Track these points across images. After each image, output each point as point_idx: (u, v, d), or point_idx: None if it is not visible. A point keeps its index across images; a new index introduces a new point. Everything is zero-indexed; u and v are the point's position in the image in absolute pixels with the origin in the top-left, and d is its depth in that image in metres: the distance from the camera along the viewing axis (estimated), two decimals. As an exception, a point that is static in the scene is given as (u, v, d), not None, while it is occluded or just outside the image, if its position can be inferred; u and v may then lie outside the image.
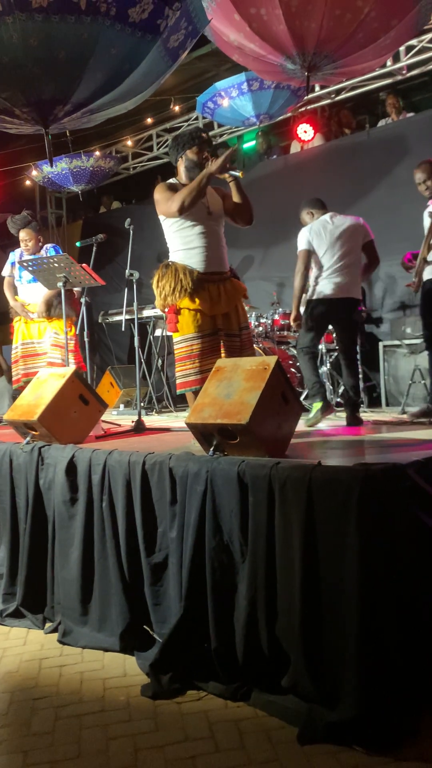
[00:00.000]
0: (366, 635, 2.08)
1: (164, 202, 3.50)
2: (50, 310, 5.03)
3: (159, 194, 3.54)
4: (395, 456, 2.69)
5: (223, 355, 3.51)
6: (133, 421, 4.35)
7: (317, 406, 4.30)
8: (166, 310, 3.55)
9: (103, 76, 3.40)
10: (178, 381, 3.52)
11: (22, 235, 5.20)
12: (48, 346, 5.10)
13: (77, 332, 5.20)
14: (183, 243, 3.56)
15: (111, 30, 3.12)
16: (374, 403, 6.05)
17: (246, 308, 6.05)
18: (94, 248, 5.46)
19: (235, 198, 3.62)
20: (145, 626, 2.81)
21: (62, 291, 4.48)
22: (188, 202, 3.41)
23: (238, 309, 3.61)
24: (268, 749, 2.03)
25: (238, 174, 3.50)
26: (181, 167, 3.66)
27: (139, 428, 4.20)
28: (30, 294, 5.17)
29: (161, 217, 3.62)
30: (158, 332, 6.92)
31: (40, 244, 5.29)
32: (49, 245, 5.31)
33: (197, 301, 3.45)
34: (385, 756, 1.94)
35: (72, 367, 3.76)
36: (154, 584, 2.76)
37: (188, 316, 3.48)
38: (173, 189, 3.53)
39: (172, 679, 2.44)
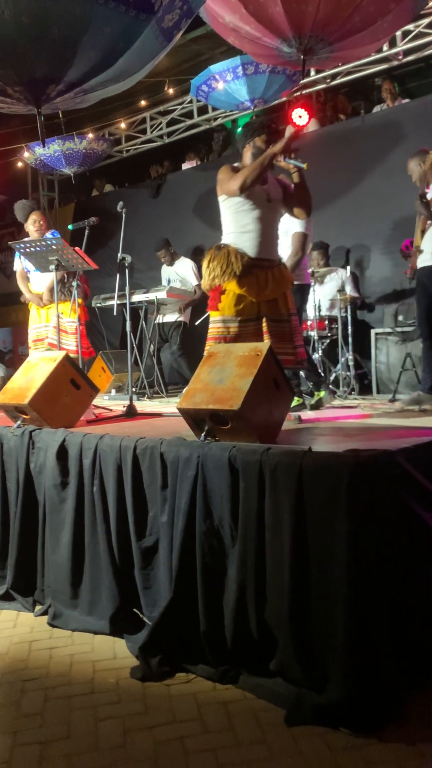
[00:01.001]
0: (354, 620, 2.10)
1: (227, 181, 3.53)
2: (52, 294, 5.05)
3: (222, 174, 3.58)
4: (385, 443, 2.70)
5: (269, 342, 3.49)
6: (124, 406, 4.35)
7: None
8: (211, 290, 3.59)
9: (96, 55, 3.36)
10: None
11: (35, 216, 5.31)
12: (51, 328, 5.15)
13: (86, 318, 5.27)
14: (238, 226, 3.58)
15: (104, 8, 3.07)
16: (365, 390, 6.07)
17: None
18: (87, 231, 5.41)
19: (297, 189, 3.64)
20: (135, 609, 2.83)
21: (54, 274, 4.46)
22: (250, 180, 3.43)
23: (286, 296, 3.64)
24: (256, 731, 2.06)
25: (303, 165, 3.49)
26: (247, 154, 3.68)
27: (130, 413, 4.19)
28: (41, 283, 5.27)
29: (221, 198, 3.64)
30: (159, 319, 6.89)
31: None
32: (49, 232, 5.37)
33: (244, 285, 3.48)
34: (370, 738, 1.97)
35: (63, 352, 3.74)
36: (145, 568, 2.77)
37: (231, 298, 3.50)
38: (236, 170, 3.56)
39: (161, 661, 2.46)
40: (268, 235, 3.58)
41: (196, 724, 2.10)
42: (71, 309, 5.04)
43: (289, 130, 3.60)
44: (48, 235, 5.25)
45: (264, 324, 3.56)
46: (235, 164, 3.69)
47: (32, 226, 5.34)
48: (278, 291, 3.58)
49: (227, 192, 3.56)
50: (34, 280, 5.36)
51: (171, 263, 7.20)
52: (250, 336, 3.51)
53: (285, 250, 4.84)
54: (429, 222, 4.46)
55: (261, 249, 3.55)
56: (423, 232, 4.49)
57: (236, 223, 3.59)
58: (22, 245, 4.54)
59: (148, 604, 2.76)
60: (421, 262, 4.52)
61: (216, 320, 3.56)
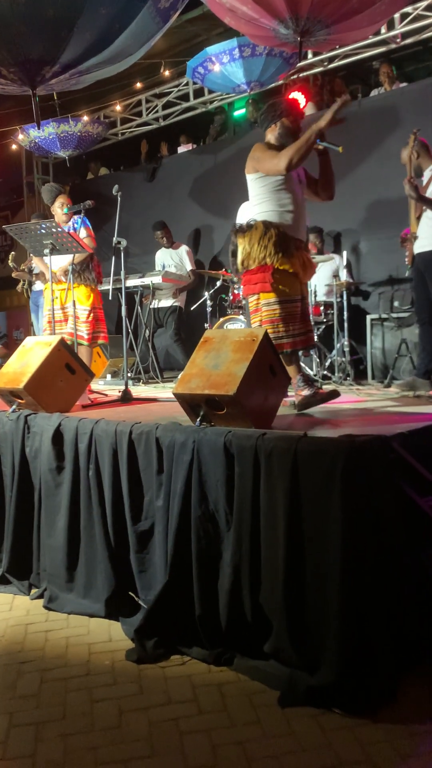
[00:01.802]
0: (348, 603, 2.12)
1: (269, 159, 3.41)
2: (65, 275, 5.07)
3: (261, 152, 3.47)
4: (380, 428, 2.72)
5: (309, 321, 3.57)
6: (119, 391, 4.35)
7: None
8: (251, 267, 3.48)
9: (92, 36, 3.31)
10: (288, 339, 3.44)
11: (62, 200, 5.34)
12: (69, 315, 5.17)
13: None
14: (277, 205, 3.49)
15: (100, -11, 3.02)
16: (360, 375, 6.08)
17: (235, 279, 6.07)
18: (82, 215, 5.39)
19: (323, 172, 3.58)
20: (130, 593, 2.85)
21: (50, 260, 4.46)
22: (296, 159, 3.35)
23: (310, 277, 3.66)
24: (249, 712, 2.08)
25: (338, 149, 3.40)
26: (271, 133, 3.60)
27: (126, 398, 4.19)
28: (57, 262, 5.23)
29: (255, 176, 3.52)
30: (154, 304, 6.86)
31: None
32: (77, 216, 5.35)
33: (296, 264, 3.45)
34: (363, 718, 2.00)
35: (58, 336, 3.73)
36: (140, 552, 2.78)
37: (287, 278, 3.43)
38: (274, 148, 3.48)
39: (156, 644, 2.48)
40: (302, 215, 3.55)
41: (191, 706, 2.12)
42: (84, 296, 5.05)
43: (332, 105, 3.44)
44: (78, 221, 5.32)
45: (303, 303, 3.57)
46: (268, 140, 3.61)
47: (59, 209, 5.36)
48: (310, 273, 3.61)
49: (268, 171, 3.43)
50: (55, 260, 5.36)
51: (168, 245, 7.16)
52: (300, 317, 3.49)
53: None
54: (423, 208, 4.45)
55: (298, 229, 3.52)
56: (418, 218, 4.48)
57: (275, 201, 3.48)
58: (15, 228, 4.51)
59: (144, 588, 2.78)
60: (418, 248, 4.52)
61: (271, 302, 3.41)
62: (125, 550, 2.83)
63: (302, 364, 5.75)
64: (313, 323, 5.89)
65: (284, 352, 3.40)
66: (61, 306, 5.20)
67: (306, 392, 3.41)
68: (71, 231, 5.25)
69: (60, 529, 3.05)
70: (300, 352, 3.61)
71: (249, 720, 2.04)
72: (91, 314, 5.10)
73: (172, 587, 2.55)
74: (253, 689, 2.22)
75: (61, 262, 5.07)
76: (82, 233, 5.28)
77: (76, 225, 5.32)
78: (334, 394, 3.42)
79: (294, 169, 3.39)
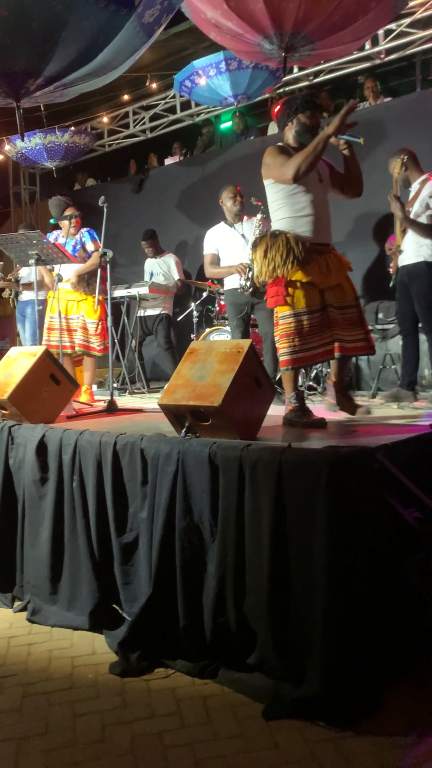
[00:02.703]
0: (333, 614, 2.12)
1: (277, 167, 3.27)
2: (79, 283, 5.08)
3: (271, 158, 3.32)
4: (364, 439, 2.73)
5: (336, 330, 3.29)
6: (105, 402, 4.34)
7: None
8: (269, 282, 3.34)
9: (76, 50, 3.32)
10: (283, 358, 3.29)
11: (69, 212, 5.39)
12: (77, 327, 5.23)
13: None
14: (293, 210, 3.32)
15: (84, 3, 3.04)
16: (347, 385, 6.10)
17: (221, 290, 6.10)
18: (69, 226, 5.39)
19: (348, 167, 3.41)
20: (114, 605, 2.83)
21: (35, 270, 4.45)
22: (304, 168, 3.18)
23: (348, 279, 3.40)
24: (233, 725, 2.07)
25: (359, 140, 3.23)
26: (290, 132, 3.41)
27: (111, 409, 4.18)
28: (65, 272, 5.28)
29: (268, 182, 3.39)
30: (140, 312, 6.87)
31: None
32: (84, 230, 5.38)
33: (309, 273, 3.24)
34: (347, 730, 2.00)
35: (42, 347, 3.72)
36: (124, 564, 2.77)
37: (300, 290, 3.24)
38: (285, 153, 3.30)
39: (140, 657, 2.47)
40: (323, 217, 3.36)
41: (175, 719, 2.11)
42: (92, 308, 5.07)
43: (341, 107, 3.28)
44: (86, 235, 5.38)
45: (330, 312, 3.30)
46: (280, 143, 3.42)
47: (67, 221, 5.39)
48: (340, 275, 3.35)
49: (278, 179, 3.30)
50: (64, 267, 5.39)
51: (155, 255, 7.18)
52: (317, 329, 3.25)
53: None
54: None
55: (318, 233, 3.32)
56: (404, 231, 4.53)
57: (291, 207, 3.33)
58: (1, 239, 4.51)
59: (128, 600, 2.77)
60: (402, 260, 4.56)
61: (286, 315, 3.25)
62: (109, 562, 2.82)
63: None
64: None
65: (299, 367, 3.30)
66: (66, 316, 5.23)
67: (295, 409, 3.34)
68: (81, 244, 5.28)
69: (44, 541, 3.02)
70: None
71: (233, 733, 2.03)
72: (99, 326, 5.15)
73: (156, 599, 2.54)
74: (237, 702, 2.21)
75: (72, 271, 5.13)
76: (90, 246, 5.31)
77: (84, 239, 5.35)
78: (321, 424, 3.25)
79: (302, 177, 3.22)
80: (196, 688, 2.31)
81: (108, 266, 4.57)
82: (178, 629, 2.47)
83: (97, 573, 2.82)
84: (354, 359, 5.89)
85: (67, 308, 5.27)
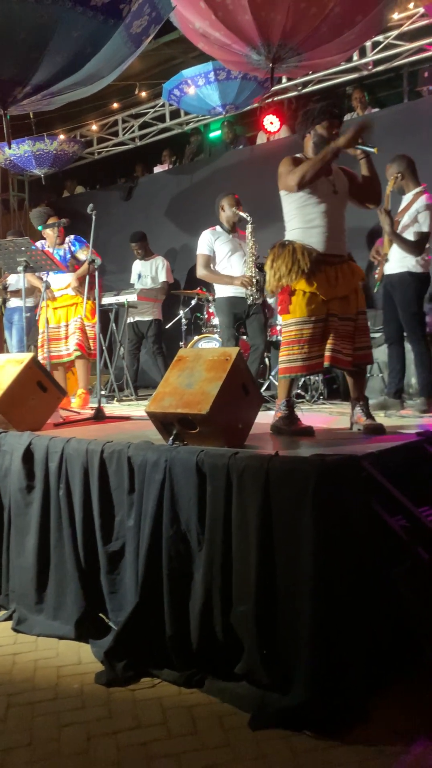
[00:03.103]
0: (319, 623, 2.12)
1: (285, 176, 3.28)
2: (81, 286, 5.08)
3: (283, 167, 3.32)
4: (351, 448, 2.74)
5: (330, 341, 3.24)
6: (92, 409, 4.32)
7: None
8: (278, 291, 3.36)
9: (63, 59, 3.33)
10: (282, 366, 3.32)
11: (52, 220, 5.41)
12: (75, 329, 5.21)
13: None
14: (304, 221, 3.34)
15: (72, 13, 3.05)
16: (333, 395, 6.13)
17: (210, 298, 6.11)
18: (55, 231, 5.39)
19: (366, 177, 3.39)
20: (100, 614, 2.82)
21: (23, 277, 4.44)
22: (309, 177, 3.18)
23: (357, 292, 3.38)
24: (220, 735, 2.06)
25: (373, 150, 3.23)
26: (309, 143, 3.39)
27: (98, 416, 4.17)
28: (59, 281, 5.31)
29: (282, 193, 3.39)
30: (132, 318, 6.87)
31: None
32: (71, 237, 5.37)
33: (314, 283, 3.23)
34: (333, 740, 1.99)
35: (30, 354, 3.71)
36: (111, 572, 2.76)
37: (302, 299, 3.25)
38: (297, 164, 3.30)
39: (126, 666, 2.45)
40: (335, 228, 3.34)
41: (161, 729, 2.10)
42: (89, 312, 5.04)
43: (354, 123, 3.30)
44: (75, 243, 5.38)
45: (331, 323, 3.28)
46: (298, 155, 3.42)
47: (51, 231, 5.40)
48: (349, 287, 3.33)
49: (285, 188, 3.33)
50: (55, 280, 5.38)
51: (144, 257, 7.19)
52: (318, 339, 3.25)
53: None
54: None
55: (329, 244, 3.31)
56: (391, 241, 4.56)
57: (302, 217, 3.34)
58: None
59: (114, 609, 2.75)
60: (387, 269, 4.59)
61: (288, 323, 3.29)
62: (96, 570, 2.80)
63: (276, 383, 5.79)
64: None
65: (297, 375, 3.32)
66: (58, 323, 5.22)
67: (283, 416, 3.35)
68: (71, 253, 5.27)
69: (29, 549, 3.00)
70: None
71: (219, 743, 2.01)
72: (92, 330, 5.15)
73: (142, 608, 2.53)
74: (223, 711, 2.20)
75: (66, 279, 5.13)
76: (82, 255, 5.32)
77: (74, 247, 5.35)
78: (308, 432, 3.28)
79: (306, 186, 3.23)
80: (182, 698, 2.30)
81: (96, 273, 4.58)
82: (165, 638, 2.46)
83: (84, 582, 2.81)
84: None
85: (66, 315, 5.27)
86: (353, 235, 6.62)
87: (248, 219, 4.82)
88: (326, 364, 3.27)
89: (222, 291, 5.03)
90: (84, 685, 2.41)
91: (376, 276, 4.76)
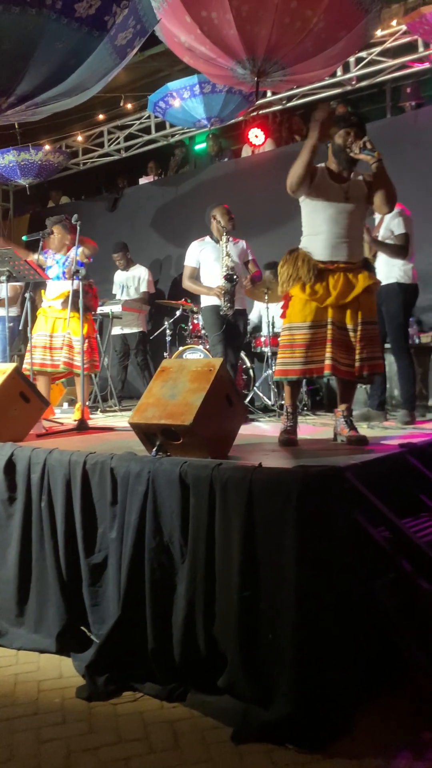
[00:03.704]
0: (302, 635, 2.12)
1: None
2: (69, 303, 5.01)
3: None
4: (334, 459, 2.74)
5: (328, 349, 3.23)
6: (75, 420, 4.30)
7: None
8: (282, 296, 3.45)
9: (48, 70, 3.34)
10: (276, 368, 3.39)
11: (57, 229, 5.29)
12: (61, 345, 5.11)
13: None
14: (310, 228, 3.40)
15: (57, 24, 3.06)
16: (317, 406, 6.15)
17: (194, 310, 6.12)
18: (41, 243, 5.37)
19: (375, 181, 3.35)
20: (82, 627, 2.78)
21: (6, 287, 4.42)
22: (292, 180, 3.26)
23: (359, 302, 3.30)
24: (202, 749, 2.04)
25: (373, 154, 3.24)
26: (330, 152, 3.42)
27: (81, 427, 4.15)
28: (54, 289, 5.22)
29: (300, 200, 3.46)
30: (115, 330, 6.86)
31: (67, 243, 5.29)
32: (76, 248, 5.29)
33: (309, 289, 3.27)
34: (316, 754, 1.98)
35: (12, 364, 3.68)
36: (93, 585, 2.73)
37: (297, 304, 3.31)
38: (327, 174, 3.37)
39: (108, 680, 2.43)
40: (341, 235, 3.32)
41: (142, 744, 2.07)
42: (78, 325, 4.94)
43: (317, 114, 3.31)
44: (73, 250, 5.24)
45: (329, 330, 3.27)
46: (321, 164, 3.44)
47: (55, 235, 5.31)
48: (351, 296, 3.28)
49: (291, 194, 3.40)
50: (49, 287, 5.33)
51: (126, 268, 7.19)
52: (310, 344, 3.27)
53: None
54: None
55: (332, 251, 3.31)
56: (374, 256, 4.58)
57: (309, 224, 3.41)
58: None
59: (96, 622, 2.72)
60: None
61: (284, 328, 3.38)
62: (78, 583, 2.77)
63: (260, 394, 5.80)
64: (271, 353, 5.96)
65: (290, 378, 3.36)
66: (44, 332, 5.17)
67: (284, 426, 3.44)
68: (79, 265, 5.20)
69: (10, 561, 2.97)
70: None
71: (201, 758, 1.99)
72: (86, 343, 5.06)
73: (124, 621, 2.50)
74: (206, 725, 2.18)
75: (61, 288, 5.07)
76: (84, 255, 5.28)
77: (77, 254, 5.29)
78: (291, 443, 3.35)
79: (295, 190, 3.30)
80: (164, 712, 2.28)
81: (81, 283, 4.56)
82: (147, 651, 2.44)
83: (65, 594, 2.78)
84: (325, 379, 5.93)
85: (53, 326, 5.22)
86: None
87: (224, 229, 4.86)
88: (326, 372, 3.27)
89: (206, 300, 5.07)
90: (65, 700, 2.38)
91: None
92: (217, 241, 5.02)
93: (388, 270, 4.51)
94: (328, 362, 3.23)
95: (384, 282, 4.52)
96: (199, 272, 5.08)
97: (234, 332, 4.98)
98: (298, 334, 3.28)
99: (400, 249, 4.47)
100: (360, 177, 3.42)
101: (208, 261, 5.01)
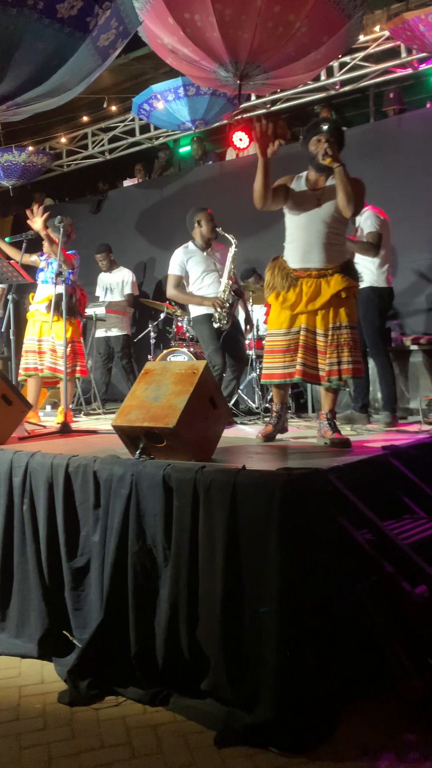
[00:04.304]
0: (285, 637, 2.11)
1: None
2: (51, 307, 4.95)
3: None
4: (317, 461, 2.75)
5: (300, 354, 3.34)
6: (58, 423, 4.27)
7: None
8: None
9: (29, 70, 3.32)
10: (263, 372, 3.52)
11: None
12: (46, 349, 5.11)
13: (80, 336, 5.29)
14: (287, 236, 3.50)
15: (38, 24, 3.05)
16: (301, 409, 6.16)
17: (178, 313, 6.10)
18: (24, 245, 5.34)
19: (336, 186, 3.33)
20: (64, 632, 2.76)
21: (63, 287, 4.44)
22: (255, 199, 3.35)
23: (331, 306, 3.34)
24: (185, 754, 2.03)
25: (325, 162, 3.28)
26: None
27: (64, 430, 4.12)
28: (41, 292, 5.21)
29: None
30: (99, 333, 6.83)
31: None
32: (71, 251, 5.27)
33: (283, 297, 3.39)
34: (299, 757, 1.98)
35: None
36: (75, 589, 2.71)
37: (274, 312, 3.44)
38: (282, 181, 3.47)
39: (90, 685, 2.41)
40: (312, 242, 3.38)
41: (125, 749, 2.06)
42: (62, 330, 4.87)
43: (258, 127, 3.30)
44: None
45: (301, 336, 3.37)
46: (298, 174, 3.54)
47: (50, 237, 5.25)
48: (321, 301, 3.33)
49: None
50: (38, 290, 5.29)
51: (109, 269, 7.17)
52: (284, 350, 3.39)
53: None
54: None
55: (305, 258, 3.39)
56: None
57: (287, 232, 3.52)
58: None
59: (78, 626, 2.70)
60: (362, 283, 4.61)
61: (267, 334, 3.52)
62: (60, 587, 2.75)
63: (244, 397, 5.80)
64: (255, 356, 5.97)
65: (273, 382, 3.48)
66: (33, 336, 5.14)
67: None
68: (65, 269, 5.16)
69: (-8, 566, 2.94)
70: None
71: (184, 762, 1.98)
72: (69, 347, 5.01)
73: (107, 625, 2.49)
74: (189, 730, 2.17)
75: (47, 291, 5.04)
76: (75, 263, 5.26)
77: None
78: (269, 437, 3.53)
79: (261, 207, 3.40)
80: (147, 717, 2.26)
81: (67, 286, 4.54)
82: (130, 655, 2.42)
83: (47, 599, 2.75)
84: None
85: (41, 330, 5.20)
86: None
87: (233, 242, 4.77)
88: (296, 377, 3.36)
89: (196, 309, 4.94)
90: (46, 705, 2.36)
91: None
92: (203, 249, 4.92)
93: (364, 275, 4.50)
94: (299, 368, 3.34)
95: (364, 285, 4.53)
96: (185, 281, 4.94)
97: (235, 343, 4.88)
98: (276, 341, 3.42)
99: (369, 246, 4.44)
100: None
101: (196, 272, 4.88)
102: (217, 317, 4.72)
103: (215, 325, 4.74)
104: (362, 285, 4.49)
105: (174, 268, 4.92)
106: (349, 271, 3.43)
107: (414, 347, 5.39)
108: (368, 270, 4.51)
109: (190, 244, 4.97)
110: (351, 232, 4.59)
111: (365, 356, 4.68)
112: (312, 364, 3.36)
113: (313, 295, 3.35)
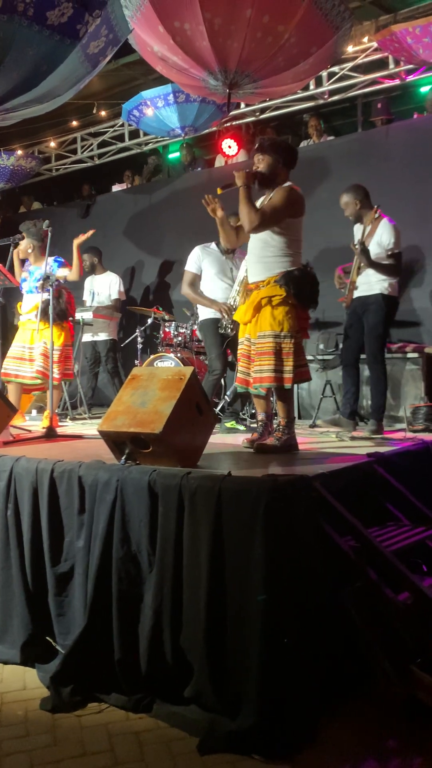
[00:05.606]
0: (268, 644, 2.12)
1: None
2: (38, 314, 4.93)
3: None
4: (303, 468, 2.76)
5: (242, 363, 3.63)
6: (44, 427, 4.26)
7: None
8: None
9: (19, 76, 3.33)
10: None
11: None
12: (37, 354, 5.05)
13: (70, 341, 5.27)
14: None
15: (28, 30, 3.06)
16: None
17: (166, 317, 6.10)
18: (11, 248, 5.33)
19: None
20: (47, 638, 2.75)
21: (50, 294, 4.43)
22: (252, 225, 3.51)
23: (256, 317, 3.52)
24: (167, 761, 2.03)
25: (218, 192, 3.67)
26: None
27: (50, 435, 4.11)
28: (28, 302, 5.20)
29: None
30: (86, 338, 6.82)
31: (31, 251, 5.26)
32: (51, 258, 5.21)
33: (244, 310, 3.65)
34: (282, 764, 1.98)
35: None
36: (59, 594, 2.70)
37: (240, 324, 3.73)
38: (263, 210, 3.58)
39: (73, 691, 2.40)
40: (252, 258, 3.63)
41: (107, 756, 2.05)
42: (55, 336, 4.83)
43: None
44: (53, 264, 5.24)
45: (244, 345, 3.64)
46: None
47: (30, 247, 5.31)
48: (253, 311, 3.54)
49: None
50: (24, 300, 5.28)
51: (96, 273, 7.15)
52: (244, 356, 3.63)
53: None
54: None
55: (252, 273, 3.65)
56: (359, 269, 4.58)
57: None
58: None
59: (62, 632, 2.69)
60: (358, 292, 4.62)
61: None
62: (43, 592, 2.74)
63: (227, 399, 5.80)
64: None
65: (237, 387, 3.70)
66: (23, 343, 5.11)
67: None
68: (51, 272, 5.14)
69: (-25, 571, 2.92)
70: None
71: (166, 769, 1.98)
72: (60, 352, 5.01)
73: (91, 631, 2.48)
74: (171, 736, 2.17)
75: (35, 300, 5.02)
76: (60, 272, 5.23)
77: (52, 269, 5.24)
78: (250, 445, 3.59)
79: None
80: (130, 723, 2.26)
81: (51, 291, 4.53)
82: (113, 662, 2.42)
83: (31, 604, 2.74)
84: (296, 387, 5.96)
85: (32, 337, 5.17)
86: (309, 252, 6.73)
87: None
88: (237, 384, 3.70)
89: (206, 312, 4.95)
90: (28, 712, 2.34)
91: (344, 304, 4.76)
92: (224, 252, 4.89)
93: (378, 281, 4.49)
94: (239, 375, 3.66)
95: (368, 293, 4.53)
96: (200, 280, 4.91)
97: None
98: (239, 349, 3.69)
99: (396, 268, 4.50)
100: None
101: (209, 271, 4.88)
102: (224, 324, 4.76)
103: (220, 331, 4.78)
104: (373, 292, 4.51)
105: (190, 265, 4.97)
106: (283, 280, 3.49)
107: (399, 355, 5.43)
108: (383, 278, 4.50)
109: (213, 243, 4.99)
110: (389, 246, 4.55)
111: (357, 363, 4.68)
112: (247, 370, 3.59)
113: (251, 306, 3.58)
